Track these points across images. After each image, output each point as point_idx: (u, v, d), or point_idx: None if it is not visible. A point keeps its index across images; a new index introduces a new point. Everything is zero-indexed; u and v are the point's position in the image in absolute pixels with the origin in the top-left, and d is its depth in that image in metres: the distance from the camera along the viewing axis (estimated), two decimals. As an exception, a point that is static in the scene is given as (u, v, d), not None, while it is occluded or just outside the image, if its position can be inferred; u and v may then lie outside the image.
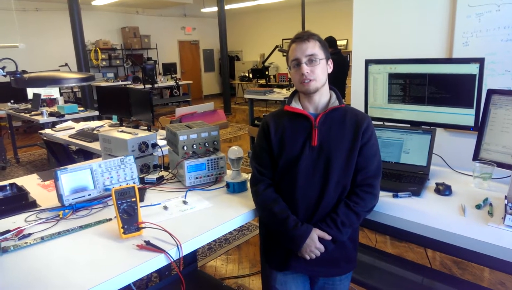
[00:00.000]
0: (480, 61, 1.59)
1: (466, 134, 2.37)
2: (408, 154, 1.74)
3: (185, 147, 1.73)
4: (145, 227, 1.29)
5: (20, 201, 1.59)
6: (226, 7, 9.53)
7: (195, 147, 1.75)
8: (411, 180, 1.61)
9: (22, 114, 4.85)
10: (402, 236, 1.37)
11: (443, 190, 1.50)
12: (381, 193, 1.48)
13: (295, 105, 1.40)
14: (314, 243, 1.28)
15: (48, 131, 3.67)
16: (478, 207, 1.36)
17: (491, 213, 1.31)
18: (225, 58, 9.54)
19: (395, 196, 1.49)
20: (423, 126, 1.76)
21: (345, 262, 1.40)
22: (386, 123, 1.86)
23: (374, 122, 1.46)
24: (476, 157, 1.63)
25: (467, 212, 1.33)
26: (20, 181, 1.89)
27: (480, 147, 1.62)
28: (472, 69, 1.61)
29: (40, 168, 5.34)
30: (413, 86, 1.78)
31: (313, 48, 1.32)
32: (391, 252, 2.73)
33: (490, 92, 1.59)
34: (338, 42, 9.09)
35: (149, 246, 1.18)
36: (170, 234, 1.25)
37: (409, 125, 1.80)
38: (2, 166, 5.28)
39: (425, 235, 1.27)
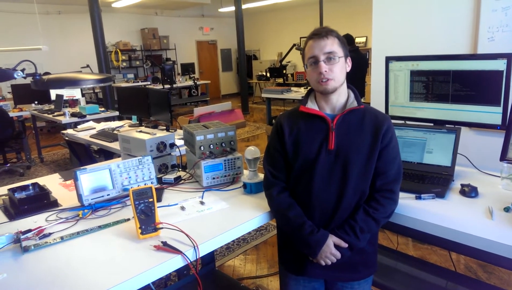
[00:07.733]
0: (508, 57, 1.52)
1: (492, 133, 2.28)
2: (432, 154, 1.68)
3: (202, 147, 1.72)
4: (162, 228, 1.29)
5: (42, 201, 1.62)
6: (244, 6, 9.53)
7: (212, 147, 1.74)
8: (434, 181, 1.55)
9: (46, 114, 4.98)
10: (425, 238, 1.33)
11: (469, 191, 1.45)
12: (403, 195, 1.43)
13: (311, 105, 1.34)
14: (330, 249, 1.24)
15: (70, 131, 3.75)
16: (507, 210, 1.30)
17: (520, 216, 1.25)
18: (242, 57, 9.55)
19: (418, 198, 1.44)
20: (447, 125, 1.70)
21: (364, 267, 1.36)
22: (407, 122, 1.80)
23: (395, 121, 1.41)
24: (503, 157, 1.56)
25: (495, 215, 1.27)
26: (43, 180, 1.93)
27: (508, 146, 1.55)
28: (499, 65, 1.54)
29: (63, 167, 5.48)
30: (436, 84, 1.72)
31: (332, 45, 1.25)
32: (413, 255, 2.66)
33: (519, 89, 1.52)
34: (357, 40, 9.01)
35: (166, 247, 1.18)
36: (186, 235, 1.24)
37: (432, 124, 1.74)
38: (27, 165, 5.44)
39: (450, 239, 1.22)
